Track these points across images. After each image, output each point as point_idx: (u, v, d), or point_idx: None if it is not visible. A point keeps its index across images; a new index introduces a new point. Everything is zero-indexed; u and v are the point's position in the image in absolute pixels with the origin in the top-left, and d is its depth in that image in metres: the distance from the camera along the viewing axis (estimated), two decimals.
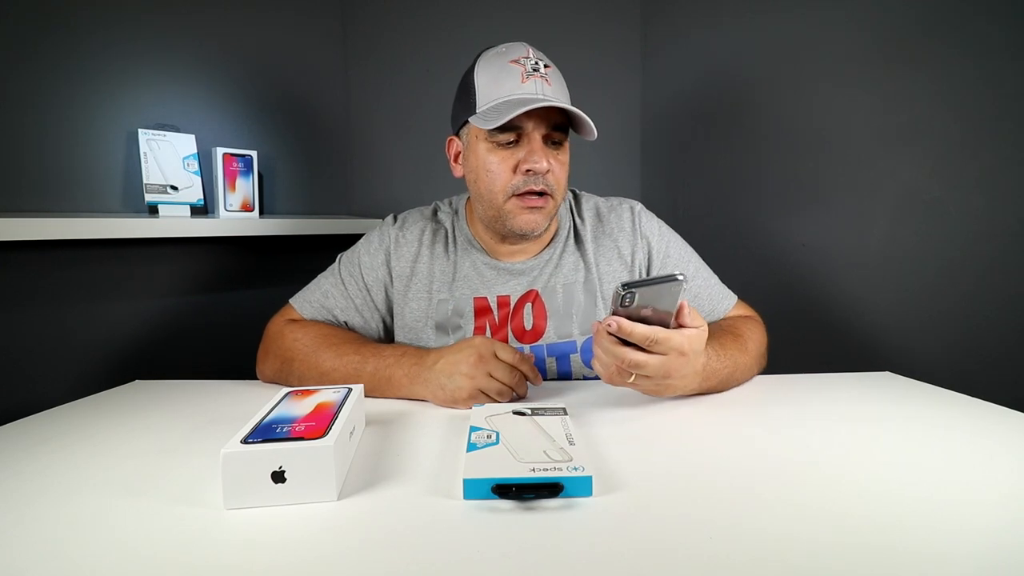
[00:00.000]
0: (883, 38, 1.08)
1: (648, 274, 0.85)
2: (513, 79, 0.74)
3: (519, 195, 0.76)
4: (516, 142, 0.76)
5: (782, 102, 1.25)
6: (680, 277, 0.56)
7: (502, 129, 0.74)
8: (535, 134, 0.75)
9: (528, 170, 0.75)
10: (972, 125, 0.98)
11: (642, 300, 0.57)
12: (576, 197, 0.91)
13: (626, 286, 0.56)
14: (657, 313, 0.58)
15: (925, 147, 1.04)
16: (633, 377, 0.60)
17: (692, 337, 0.60)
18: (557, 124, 0.75)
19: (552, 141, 0.76)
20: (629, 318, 0.58)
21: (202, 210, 1.18)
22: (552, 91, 0.74)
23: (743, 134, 1.34)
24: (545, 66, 0.76)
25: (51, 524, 0.43)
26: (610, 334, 0.58)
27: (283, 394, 0.58)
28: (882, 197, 1.10)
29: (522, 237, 0.81)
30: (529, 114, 0.73)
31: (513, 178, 0.76)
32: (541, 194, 0.76)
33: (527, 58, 0.75)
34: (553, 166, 0.76)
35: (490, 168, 0.77)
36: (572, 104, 0.74)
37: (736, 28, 1.33)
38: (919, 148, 1.05)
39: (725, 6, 1.36)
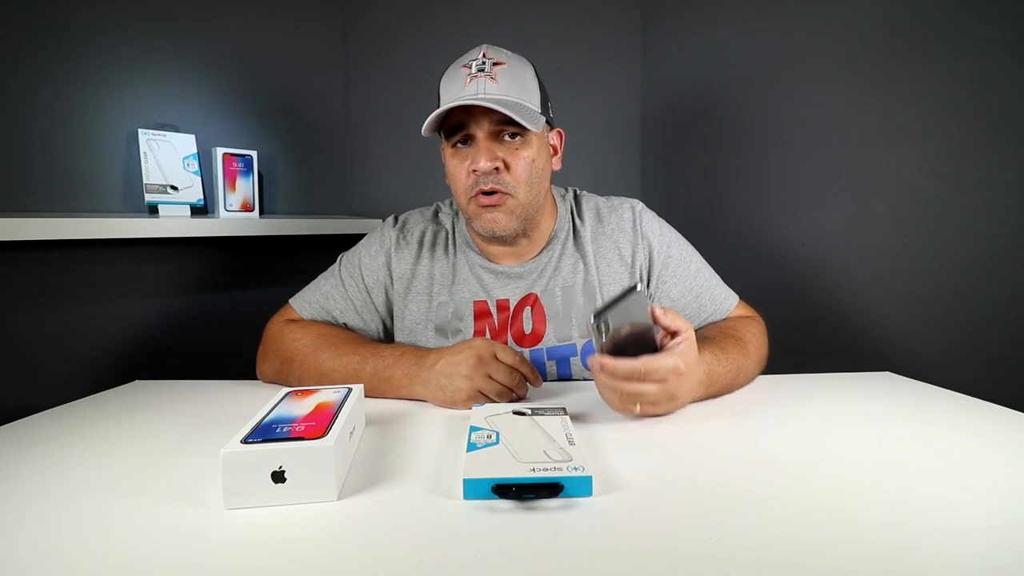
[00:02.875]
0: (883, 38, 1.08)
1: (648, 276, 0.85)
2: (458, 83, 0.75)
3: (475, 195, 0.77)
4: (469, 144, 0.76)
5: (782, 102, 1.25)
6: (638, 286, 0.58)
7: (451, 132, 0.76)
8: (478, 133, 0.74)
9: (474, 171, 0.75)
10: (972, 125, 0.98)
11: (616, 321, 0.57)
12: (577, 197, 0.90)
13: (596, 316, 0.57)
14: (636, 328, 0.59)
15: (925, 147, 1.04)
16: (639, 407, 0.60)
17: (684, 352, 0.60)
18: (505, 120, 0.73)
19: (508, 136, 0.75)
20: (616, 345, 0.58)
21: (202, 210, 1.18)
22: (497, 88, 0.73)
23: (743, 134, 1.34)
24: (495, 64, 0.75)
25: (51, 524, 0.43)
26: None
27: (283, 394, 0.58)
28: (882, 197, 1.10)
29: (498, 239, 0.80)
30: (471, 114, 0.73)
31: (468, 180, 0.76)
32: (494, 192, 0.76)
33: (475, 60, 0.75)
34: (509, 162, 0.75)
35: (451, 172, 0.78)
36: (521, 98, 0.74)
37: (736, 28, 1.33)
38: (919, 148, 1.05)
39: (725, 7, 1.36)
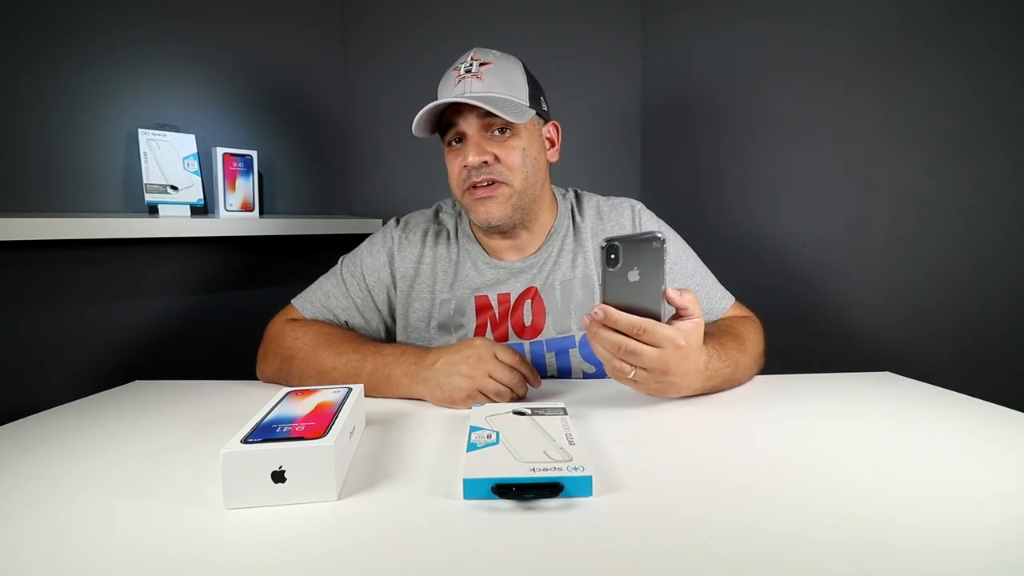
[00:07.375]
0: (882, 39, 1.08)
1: None
2: (448, 85, 0.79)
3: (469, 189, 0.80)
4: (463, 142, 0.80)
5: (782, 102, 1.25)
6: (659, 235, 0.56)
7: (444, 132, 0.81)
8: (468, 131, 0.78)
9: (465, 166, 0.78)
10: (971, 125, 0.98)
11: (627, 260, 0.56)
12: (578, 196, 0.92)
13: (608, 240, 0.56)
14: (645, 288, 0.57)
15: (925, 147, 1.04)
16: (633, 372, 0.59)
17: (688, 331, 0.59)
18: (492, 115, 0.76)
19: (497, 131, 0.79)
20: (620, 295, 0.57)
21: (202, 210, 1.18)
22: (482, 86, 0.77)
23: (743, 134, 1.34)
24: (482, 64, 0.78)
25: (51, 524, 0.43)
26: (604, 325, 0.58)
27: (283, 394, 0.58)
28: (882, 197, 1.10)
29: (496, 229, 0.82)
30: (460, 113, 0.78)
31: (460, 175, 0.80)
32: (490, 184, 0.79)
33: (464, 63, 0.80)
34: (500, 155, 0.78)
35: (448, 169, 0.82)
36: (513, 93, 0.77)
37: (736, 28, 1.33)
38: (919, 148, 1.05)
39: (725, 7, 1.36)
